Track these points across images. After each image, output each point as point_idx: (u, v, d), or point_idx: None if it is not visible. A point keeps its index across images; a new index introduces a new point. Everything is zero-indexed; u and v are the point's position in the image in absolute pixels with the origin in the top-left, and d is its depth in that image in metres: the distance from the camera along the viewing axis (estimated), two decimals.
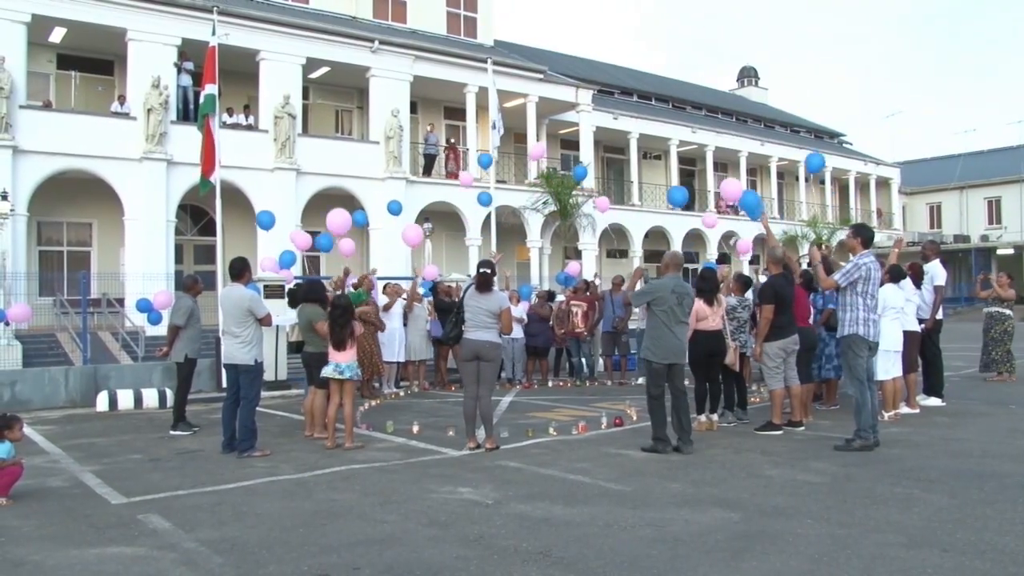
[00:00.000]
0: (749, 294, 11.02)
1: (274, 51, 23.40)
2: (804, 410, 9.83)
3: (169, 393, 12.73)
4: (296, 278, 14.73)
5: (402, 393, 14.35)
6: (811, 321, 10.20)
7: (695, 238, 35.59)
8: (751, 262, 35.58)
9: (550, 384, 15.38)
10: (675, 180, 36.14)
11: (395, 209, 16.94)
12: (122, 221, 21.25)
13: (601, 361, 16.17)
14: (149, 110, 21.01)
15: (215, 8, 18.05)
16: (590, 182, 30.14)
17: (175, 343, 10.35)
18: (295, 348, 10.63)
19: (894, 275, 10.09)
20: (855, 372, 8.20)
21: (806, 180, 40.02)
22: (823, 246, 9.90)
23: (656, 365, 8.30)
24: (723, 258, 36.90)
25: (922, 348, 11.28)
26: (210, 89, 14.87)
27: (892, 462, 7.50)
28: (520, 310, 15.12)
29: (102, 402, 12.85)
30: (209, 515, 6.11)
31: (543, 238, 29.38)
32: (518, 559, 4.93)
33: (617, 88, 37.84)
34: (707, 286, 9.62)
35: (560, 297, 16.91)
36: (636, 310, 14.87)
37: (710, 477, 7.08)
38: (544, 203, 27.66)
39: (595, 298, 15.62)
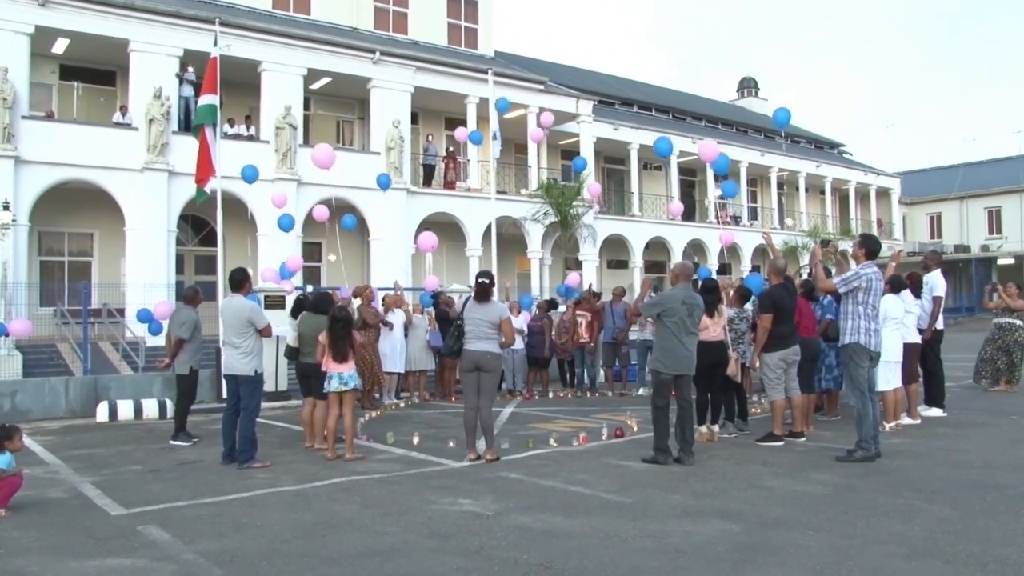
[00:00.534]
0: (748, 306, 11.03)
1: (275, 62, 23.45)
2: (806, 420, 9.82)
3: (169, 404, 12.72)
4: (297, 288, 14.74)
5: (402, 404, 14.33)
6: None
7: (696, 248, 35.61)
8: (752, 271, 35.65)
9: (551, 395, 15.36)
10: (675, 191, 36.18)
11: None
12: (123, 231, 21.26)
13: (602, 372, 16.15)
14: (151, 121, 21.05)
15: (217, 19, 18.10)
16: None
17: (179, 355, 10.33)
18: (291, 355, 10.60)
19: (894, 286, 10.09)
20: (856, 382, 8.20)
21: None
22: (830, 244, 9.84)
23: (664, 376, 8.30)
24: (723, 268, 36.89)
25: (923, 358, 11.28)
26: (209, 99, 14.88)
27: (894, 473, 7.48)
28: (521, 321, 15.12)
29: (102, 412, 12.84)
30: (209, 526, 6.09)
31: (543, 249, 29.39)
32: (519, 571, 4.92)
33: (618, 99, 37.91)
34: (708, 297, 9.63)
35: (562, 308, 16.92)
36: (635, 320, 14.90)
37: (711, 488, 7.06)
38: (544, 214, 27.68)
39: (599, 308, 15.63)
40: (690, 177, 39.11)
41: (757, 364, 9.54)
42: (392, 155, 25.03)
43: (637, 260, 33.63)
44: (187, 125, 22.20)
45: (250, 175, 16.24)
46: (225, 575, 4.95)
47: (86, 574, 5.05)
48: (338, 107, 27.81)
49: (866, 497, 6.58)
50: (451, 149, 29.00)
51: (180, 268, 22.84)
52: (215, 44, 15.70)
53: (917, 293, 11.02)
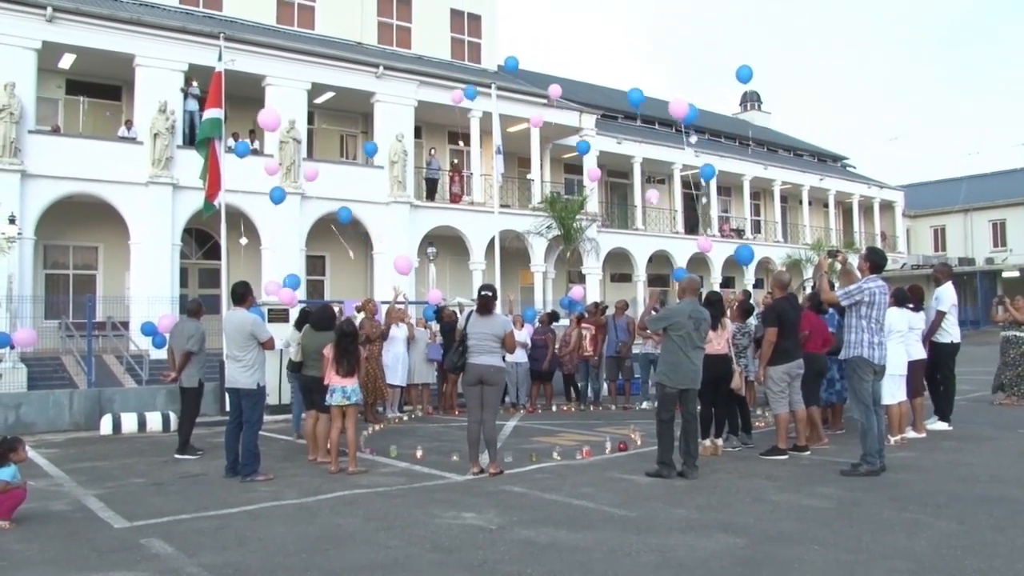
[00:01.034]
0: (751, 320, 11.03)
1: (279, 76, 23.55)
2: (816, 434, 9.81)
3: (173, 417, 12.72)
4: (301, 302, 14.75)
5: (406, 417, 14.31)
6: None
7: (699, 262, 35.56)
8: (756, 285, 35.61)
9: (554, 408, 15.33)
10: (679, 204, 36.24)
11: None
12: (128, 245, 21.31)
13: (605, 386, 16.13)
14: (156, 135, 21.13)
15: (222, 34, 18.23)
16: (593, 205, 30.20)
17: (187, 368, 10.33)
18: (294, 369, 10.58)
19: (897, 299, 10.07)
20: (860, 396, 8.18)
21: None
22: (839, 254, 9.81)
23: (670, 389, 8.29)
24: (727, 282, 36.90)
25: (936, 371, 11.23)
26: (213, 113, 14.95)
27: (899, 487, 7.45)
28: (524, 334, 15.12)
29: (106, 425, 12.85)
30: (212, 540, 6.09)
31: (547, 262, 29.39)
32: None
33: (620, 113, 37.94)
34: (712, 309, 9.62)
35: (564, 321, 16.91)
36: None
37: (715, 502, 7.04)
38: (548, 227, 27.71)
39: (603, 322, 15.63)
40: (693, 190, 39.09)
41: (763, 378, 9.53)
42: (396, 169, 25.09)
43: (640, 273, 33.63)
44: (191, 139, 22.31)
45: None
46: None
47: None
48: (342, 121, 27.89)
49: (871, 511, 6.55)
50: (455, 162, 29.07)
51: (184, 281, 22.88)
52: (220, 59, 15.79)
53: (918, 307, 10.99)
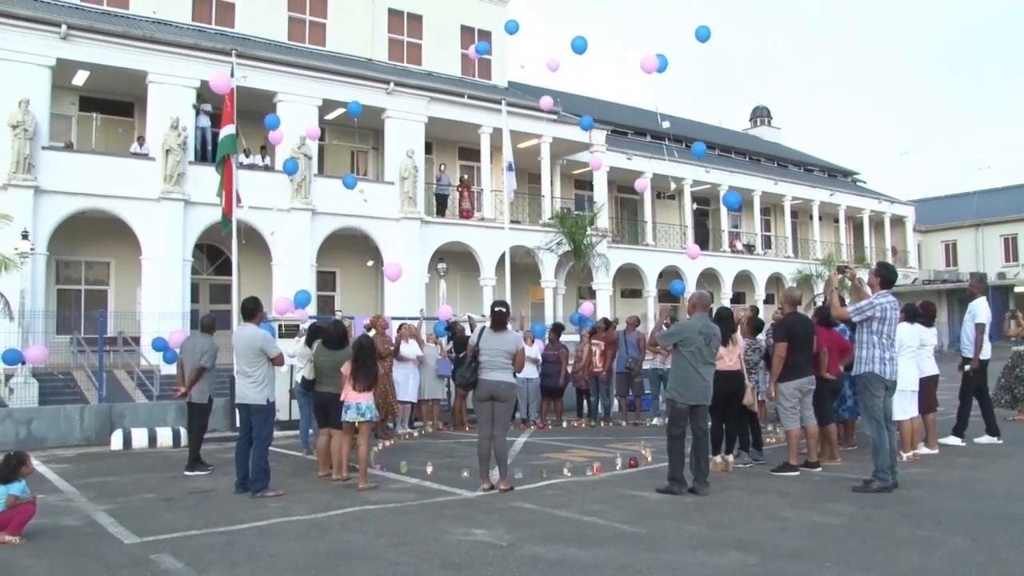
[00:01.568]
0: (761, 336, 11.00)
1: (291, 93, 23.68)
2: (831, 452, 9.75)
3: (183, 432, 12.72)
4: (312, 317, 14.77)
5: (416, 433, 14.30)
6: (841, 368, 10.04)
7: (710, 277, 35.51)
8: (766, 301, 35.53)
9: (564, 425, 15.30)
10: (689, 220, 36.21)
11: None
12: (139, 260, 21.40)
13: (616, 402, 16.09)
14: (168, 151, 21.26)
15: (233, 51, 18.34)
16: (603, 221, 30.19)
17: (198, 384, 10.33)
18: (307, 386, 10.52)
19: (908, 314, 10.01)
20: (872, 412, 8.13)
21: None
22: (848, 270, 9.76)
23: (680, 405, 8.27)
24: (737, 298, 36.79)
25: (969, 387, 11.17)
26: (229, 130, 15.07)
27: (912, 504, 7.40)
28: (535, 350, 15.10)
29: (116, 440, 12.88)
30: (221, 555, 6.08)
31: (557, 278, 29.37)
32: None
33: (630, 128, 38.02)
34: (722, 325, 9.58)
35: (575, 337, 16.88)
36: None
37: (726, 519, 7.00)
38: (558, 243, 27.71)
39: (614, 338, 15.61)
40: (703, 206, 39.10)
41: (773, 393, 9.49)
42: (406, 185, 25.16)
43: (651, 289, 33.58)
44: (203, 155, 22.45)
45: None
46: None
47: None
48: (353, 137, 28.01)
49: (884, 528, 6.50)
50: (465, 177, 29.13)
51: (195, 297, 22.96)
52: (232, 75, 15.90)
53: (929, 323, 10.92)
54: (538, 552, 5.97)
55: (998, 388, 14.13)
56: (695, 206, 37.30)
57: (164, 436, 13.20)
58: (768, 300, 35.92)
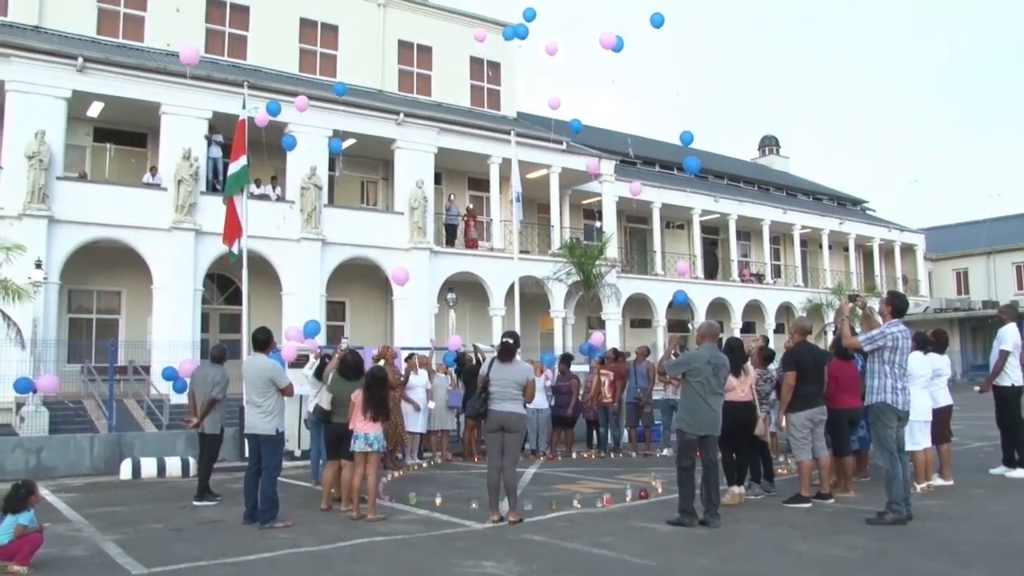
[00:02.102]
0: (772, 366, 10.95)
1: (302, 124, 23.76)
2: (845, 484, 9.67)
3: (192, 462, 12.71)
4: (321, 347, 14.77)
5: (425, 464, 14.25)
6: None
7: (720, 307, 35.44)
8: (776, 331, 35.41)
9: (574, 455, 15.23)
10: (698, 249, 36.23)
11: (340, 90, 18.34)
12: (150, 289, 21.50)
13: (626, 432, 16.02)
14: (179, 181, 21.43)
15: (245, 83, 18.47)
16: (612, 251, 30.20)
17: (211, 415, 10.32)
18: (324, 418, 10.39)
19: (919, 343, 9.94)
20: (884, 442, 8.07)
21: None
22: (859, 299, 9.71)
23: (689, 436, 8.22)
24: (747, 327, 36.68)
25: (1005, 415, 10.99)
26: (242, 161, 15.17)
27: (927, 536, 7.32)
28: (543, 380, 15.07)
29: (126, 470, 12.88)
30: None
31: (567, 308, 29.35)
32: None
33: (640, 158, 38.17)
34: (733, 356, 9.54)
35: (585, 367, 16.84)
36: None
37: (738, 551, 6.94)
38: (567, 273, 27.72)
39: (625, 369, 15.57)
40: (712, 235, 39.13)
41: (784, 424, 9.43)
42: (416, 215, 25.26)
43: (660, 319, 33.51)
44: (215, 185, 22.61)
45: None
46: None
47: None
48: (363, 168, 28.16)
49: (898, 562, 6.43)
50: (470, 207, 29.23)
51: (205, 326, 23.02)
52: (243, 107, 16.04)
53: (941, 351, 10.84)
54: None
55: None
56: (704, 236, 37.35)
57: (173, 466, 13.19)
58: (778, 329, 35.79)
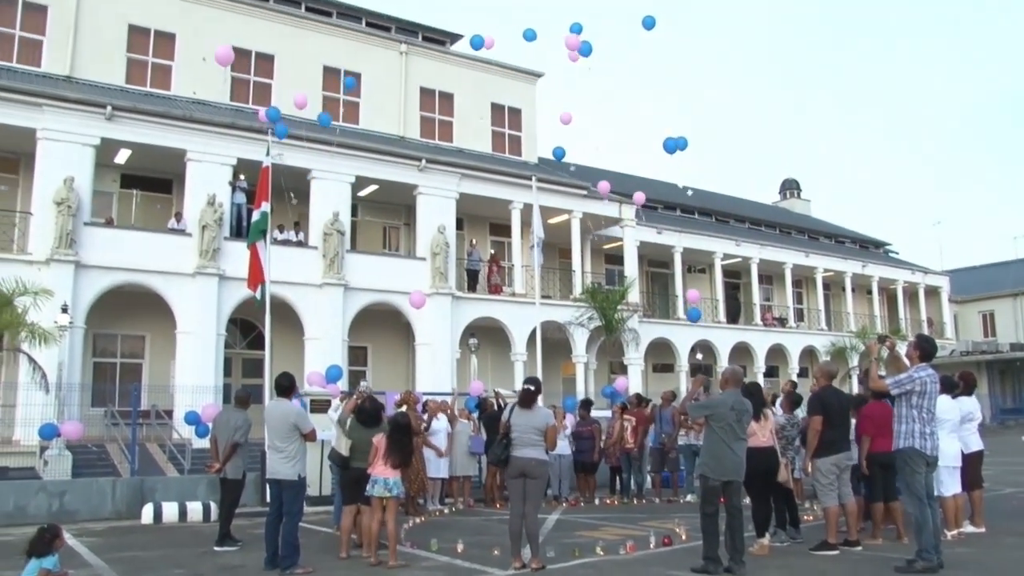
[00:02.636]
0: (799, 412, 10.85)
1: (325, 170, 24.13)
2: (875, 529, 9.52)
3: (213, 506, 12.69)
4: (343, 391, 14.80)
5: (447, 510, 14.16)
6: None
7: (742, 351, 35.23)
8: (800, 374, 35.11)
9: (597, 502, 15.09)
10: (720, 293, 36.12)
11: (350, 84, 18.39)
12: (174, 334, 21.65)
13: (649, 478, 15.88)
14: (204, 227, 21.68)
15: (270, 130, 18.76)
16: (634, 295, 30.15)
17: (233, 459, 10.32)
18: (342, 464, 10.35)
19: (945, 386, 9.79)
20: (913, 489, 7.95)
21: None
22: (888, 340, 9.60)
23: (713, 482, 8.14)
24: (771, 372, 36.41)
25: None
26: (264, 207, 15.38)
27: None
28: (566, 425, 15.01)
29: (147, 514, 12.88)
30: None
31: (588, 353, 29.24)
32: None
33: (660, 203, 38.20)
34: (752, 400, 9.45)
35: (606, 412, 16.76)
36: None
37: None
38: (589, 318, 27.67)
39: (648, 414, 15.51)
40: (734, 279, 39.01)
41: (808, 469, 9.31)
42: (437, 260, 25.36)
43: (683, 364, 33.33)
44: (239, 231, 22.86)
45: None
46: None
47: None
48: (385, 213, 28.39)
49: None
50: (493, 252, 29.35)
51: (227, 370, 23.10)
52: (267, 153, 16.27)
53: (969, 393, 10.67)
54: None
55: None
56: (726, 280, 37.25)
57: (194, 510, 13.18)
58: (802, 374, 35.47)
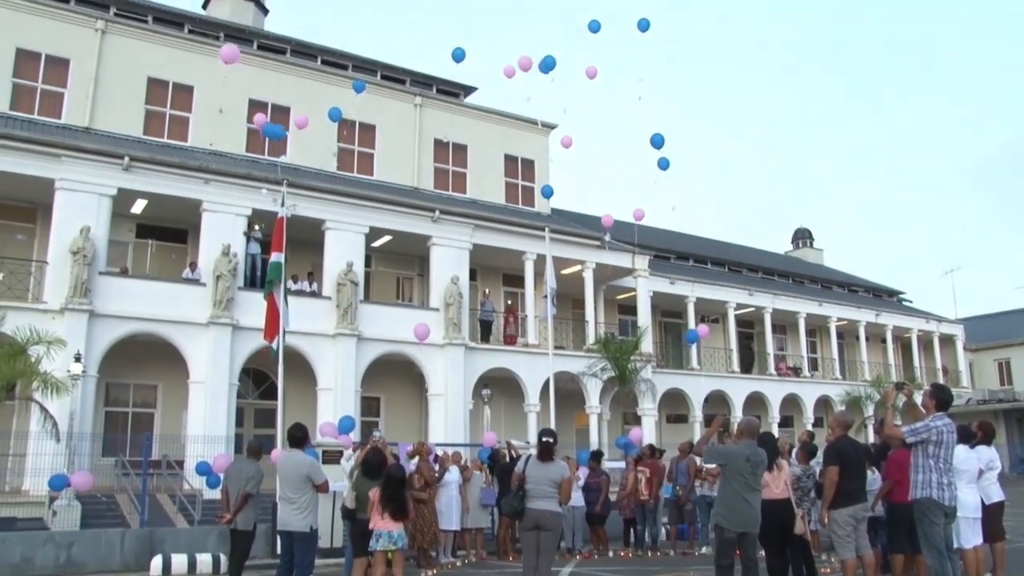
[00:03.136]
0: (814, 462, 10.72)
1: (339, 220, 24.28)
2: None
3: (223, 558, 12.56)
4: (355, 442, 14.73)
5: (459, 563, 14.00)
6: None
7: (756, 401, 34.95)
8: (815, 424, 34.75)
9: (611, 554, 14.87)
10: (734, 343, 35.96)
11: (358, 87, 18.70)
12: (186, 384, 21.65)
13: (664, 530, 15.67)
14: (218, 276, 21.78)
15: (285, 181, 18.93)
16: (648, 345, 30.02)
17: (244, 510, 10.22)
18: (348, 516, 10.30)
19: (962, 436, 9.64)
20: (932, 541, 7.78)
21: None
22: (906, 387, 9.48)
23: (728, 534, 8.01)
24: (785, 422, 36.06)
25: None
26: (276, 257, 15.45)
27: None
28: (579, 476, 14.87)
29: (156, 566, 12.76)
30: None
31: (602, 404, 29.03)
32: None
33: (673, 253, 38.29)
34: (766, 451, 9.32)
35: (619, 463, 16.61)
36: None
37: None
38: (602, 369, 27.55)
39: (660, 465, 15.38)
40: (748, 329, 38.84)
41: (825, 520, 9.16)
42: (451, 311, 25.34)
43: (697, 414, 33.06)
44: (252, 281, 22.98)
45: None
46: None
47: None
48: (399, 264, 28.48)
49: None
50: (509, 303, 29.35)
51: (239, 421, 23.04)
52: (282, 204, 16.39)
53: (988, 443, 10.50)
54: None
55: None
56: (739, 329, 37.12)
57: (204, 562, 13.05)
58: (817, 423, 35.13)
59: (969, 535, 9.27)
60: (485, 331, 27.62)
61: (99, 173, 21.11)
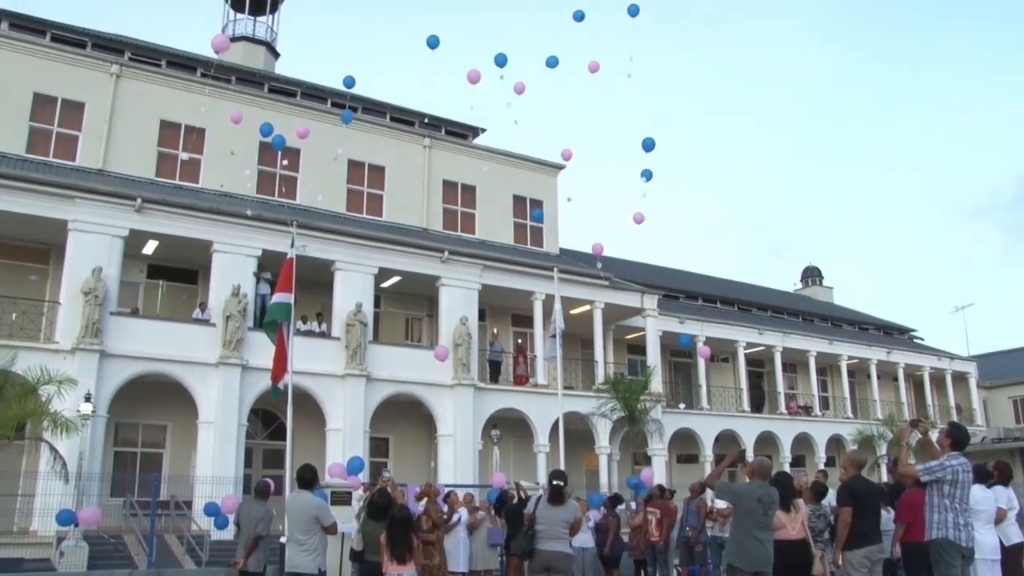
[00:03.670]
0: (825, 502, 10.61)
1: (348, 261, 24.39)
2: None
3: None
4: (364, 483, 14.66)
5: None
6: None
7: (767, 441, 34.67)
8: (827, 463, 34.42)
9: None
10: (744, 382, 35.78)
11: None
12: (196, 424, 21.64)
13: (675, 572, 15.48)
14: (228, 317, 21.86)
15: (294, 222, 19.07)
16: (657, 386, 29.89)
17: (255, 553, 10.12)
18: (355, 557, 10.27)
19: (978, 476, 9.51)
20: None
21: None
22: (921, 424, 9.37)
23: (741, 574, 7.92)
24: (797, 461, 35.72)
25: None
26: (283, 297, 15.41)
27: None
28: (588, 517, 14.74)
29: None
30: None
31: (611, 444, 28.85)
32: None
33: (682, 292, 38.26)
34: (782, 491, 9.24)
35: (632, 505, 16.47)
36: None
37: None
38: (612, 409, 27.41)
39: (670, 506, 15.23)
40: (758, 368, 38.66)
41: (840, 562, 9.03)
42: (460, 352, 25.30)
43: (707, 454, 32.81)
44: (262, 321, 23.01)
45: (273, 137, 17.39)
46: None
47: None
48: (408, 304, 28.50)
49: None
50: (519, 342, 29.31)
51: (248, 461, 22.97)
52: (292, 245, 16.46)
53: (1005, 483, 10.35)
54: None
55: None
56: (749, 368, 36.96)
57: None
58: (829, 463, 34.80)
59: None
60: (494, 371, 27.55)
61: (111, 214, 21.32)
